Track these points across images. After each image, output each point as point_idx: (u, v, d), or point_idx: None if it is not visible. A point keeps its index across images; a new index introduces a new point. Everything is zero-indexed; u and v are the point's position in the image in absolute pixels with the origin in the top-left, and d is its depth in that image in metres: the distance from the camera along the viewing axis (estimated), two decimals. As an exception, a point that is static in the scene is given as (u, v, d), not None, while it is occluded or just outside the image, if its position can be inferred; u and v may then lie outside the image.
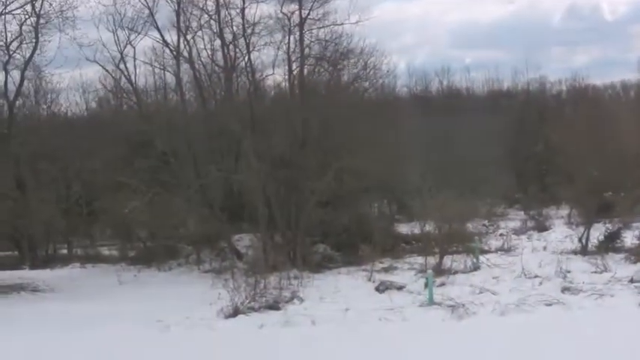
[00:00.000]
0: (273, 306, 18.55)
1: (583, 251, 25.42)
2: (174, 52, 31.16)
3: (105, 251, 33.74)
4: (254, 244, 28.13)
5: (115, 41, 30.93)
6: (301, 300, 19.42)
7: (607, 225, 27.16)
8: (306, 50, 29.98)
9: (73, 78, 50.22)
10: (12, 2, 29.05)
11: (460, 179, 29.59)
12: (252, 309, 18.26)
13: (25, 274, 29.37)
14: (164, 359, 14.06)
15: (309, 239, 27.32)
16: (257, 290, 18.96)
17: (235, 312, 18.02)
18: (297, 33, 29.62)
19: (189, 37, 30.91)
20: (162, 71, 34.03)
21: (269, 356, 14.06)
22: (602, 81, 69.35)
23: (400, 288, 20.40)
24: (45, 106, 38.55)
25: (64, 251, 34.90)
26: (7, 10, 29.08)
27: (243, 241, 29.20)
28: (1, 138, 32.56)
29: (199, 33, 31.21)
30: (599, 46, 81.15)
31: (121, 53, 31.16)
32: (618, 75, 74.85)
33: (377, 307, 18.02)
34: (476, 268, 23.23)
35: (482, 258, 24.24)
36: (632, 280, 19.00)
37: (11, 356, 14.14)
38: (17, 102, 34.84)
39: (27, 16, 30.46)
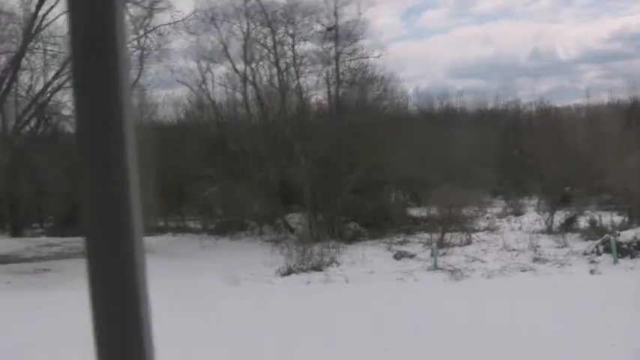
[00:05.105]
0: (317, 268, 18.78)
1: (549, 231, 25.26)
2: (242, 77, 31.45)
3: (191, 224, 34.01)
4: (302, 222, 28.26)
5: (198, 68, 31.74)
6: (337, 264, 19.57)
7: (566, 212, 27.09)
8: (341, 77, 30.22)
9: (167, 95, 50.51)
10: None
11: (456, 175, 29.40)
12: (301, 269, 18.50)
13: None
14: (237, 304, 14.33)
15: (343, 218, 27.36)
16: (305, 256, 19.18)
17: (289, 271, 18.28)
18: (334, 64, 29.85)
19: (253, 65, 31.14)
20: (233, 91, 34.22)
21: (314, 303, 14.30)
22: (561, 104, 69.20)
23: (412, 256, 20.49)
24: (147, 116, 38.90)
25: (162, 224, 35.22)
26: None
27: (294, 218, 29.25)
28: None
29: (261, 63, 31.40)
30: (557, 78, 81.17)
31: (203, 77, 31.93)
32: (572, 100, 75.01)
33: (394, 270, 18.19)
34: (469, 242, 23.24)
35: (473, 235, 24.24)
36: (584, 253, 18.99)
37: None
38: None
39: (134, 50, 31.06)
